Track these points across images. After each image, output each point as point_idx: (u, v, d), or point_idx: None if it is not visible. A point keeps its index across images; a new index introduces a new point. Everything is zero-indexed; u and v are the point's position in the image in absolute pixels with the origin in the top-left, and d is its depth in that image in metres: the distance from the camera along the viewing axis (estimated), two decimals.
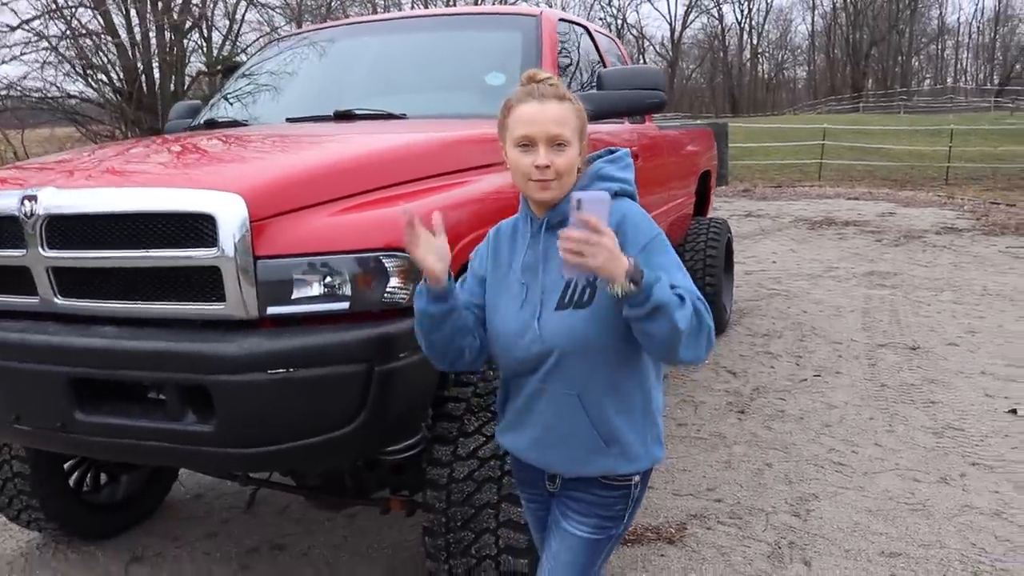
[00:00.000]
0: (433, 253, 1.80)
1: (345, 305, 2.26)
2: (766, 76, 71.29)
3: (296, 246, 2.26)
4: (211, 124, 3.98)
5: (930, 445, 4.55)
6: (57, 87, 22.98)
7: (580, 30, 4.53)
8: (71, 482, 3.70)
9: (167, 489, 4.15)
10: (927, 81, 68.39)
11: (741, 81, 67.83)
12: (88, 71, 23.90)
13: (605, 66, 4.49)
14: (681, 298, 1.66)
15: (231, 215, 2.20)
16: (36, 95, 21.96)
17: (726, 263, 6.87)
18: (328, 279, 2.25)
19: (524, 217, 1.97)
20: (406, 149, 2.78)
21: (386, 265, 2.27)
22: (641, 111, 3.62)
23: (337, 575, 3.45)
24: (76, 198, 2.40)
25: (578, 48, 4.33)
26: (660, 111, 3.75)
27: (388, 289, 2.28)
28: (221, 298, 2.25)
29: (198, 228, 2.24)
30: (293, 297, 2.26)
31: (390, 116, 3.48)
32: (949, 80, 67.79)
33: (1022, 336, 6.68)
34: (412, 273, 2.29)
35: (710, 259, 6.30)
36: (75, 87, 23.27)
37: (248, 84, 4.37)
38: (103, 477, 3.91)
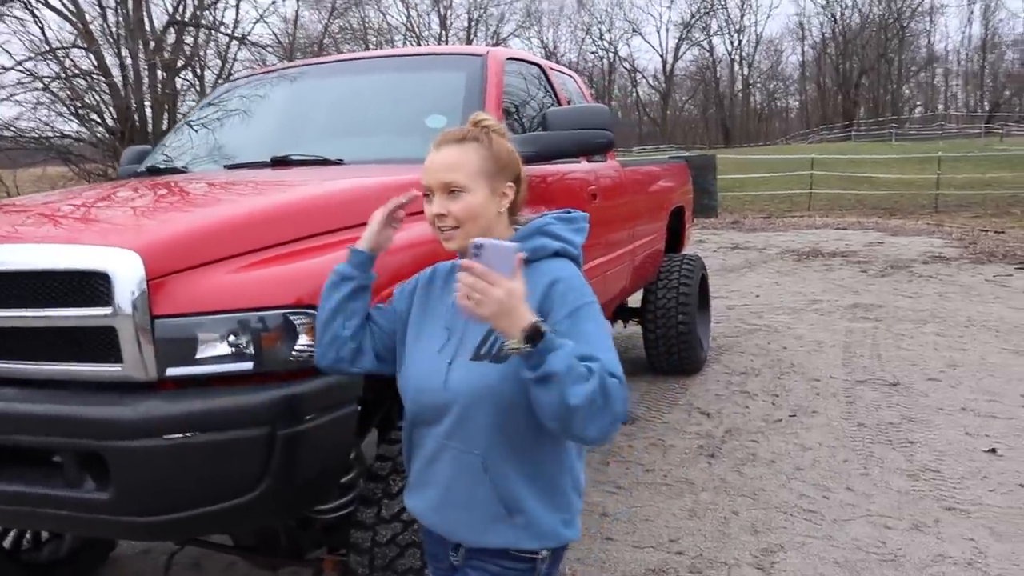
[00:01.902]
0: (380, 233, 1.93)
1: (249, 365, 2.14)
2: (758, 106, 71.78)
3: (198, 304, 2.15)
4: (152, 171, 3.89)
5: (905, 489, 4.41)
6: (50, 127, 23.11)
7: (532, 68, 4.45)
8: (6, 544, 3.55)
9: (113, 544, 4.00)
10: (918, 109, 68.84)
11: (733, 112, 68.27)
12: (81, 110, 24.06)
13: (560, 104, 4.41)
14: (589, 371, 1.55)
15: (126, 272, 2.09)
16: (30, 135, 22.08)
17: (701, 300, 6.75)
18: (232, 338, 2.14)
19: (454, 266, 1.87)
20: (324, 198, 2.67)
21: (294, 323, 2.16)
22: (589, 151, 3.52)
23: None
24: None
25: (530, 87, 4.25)
26: (608, 150, 3.65)
27: (296, 348, 2.17)
28: (118, 359, 2.14)
29: (93, 286, 2.13)
30: (195, 357, 2.14)
31: (327, 162, 3.39)
32: (940, 107, 68.21)
33: (1004, 369, 6.56)
34: None
35: (683, 296, 6.18)
36: (68, 127, 23.37)
37: (198, 127, 4.29)
38: (44, 534, 3.76)
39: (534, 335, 1.52)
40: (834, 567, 3.61)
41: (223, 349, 2.14)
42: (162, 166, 3.92)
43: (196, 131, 4.30)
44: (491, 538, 1.78)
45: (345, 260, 1.97)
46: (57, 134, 22.87)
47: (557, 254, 1.82)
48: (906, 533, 3.91)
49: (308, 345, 2.17)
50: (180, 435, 2.05)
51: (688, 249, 7.48)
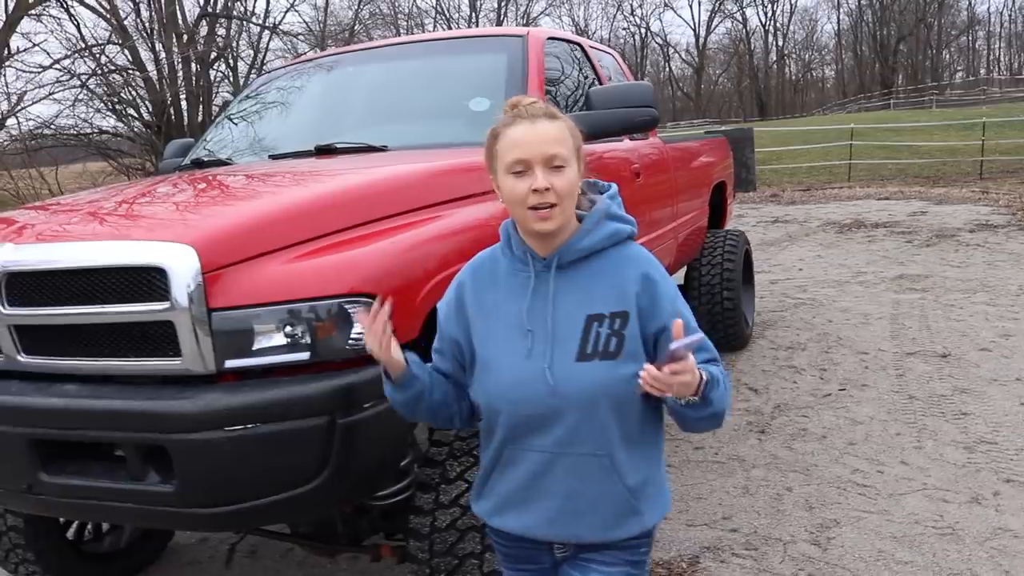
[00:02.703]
0: (376, 343, 1.70)
1: (306, 355, 2.15)
2: (793, 77, 70.67)
3: (253, 296, 2.16)
4: (197, 164, 3.92)
5: (961, 461, 4.34)
6: (89, 123, 23.49)
7: (572, 47, 4.41)
8: (69, 534, 3.63)
9: (171, 534, 4.07)
10: (959, 74, 67.30)
11: (768, 84, 67.24)
12: (118, 106, 24.42)
13: (601, 83, 4.37)
14: (726, 381, 1.66)
15: (182, 267, 2.11)
16: (69, 132, 22.45)
17: (745, 275, 6.68)
18: (288, 329, 2.15)
19: (520, 255, 1.77)
20: (372, 185, 2.67)
21: (349, 312, 2.16)
22: (633, 129, 3.48)
23: None
24: (31, 254, 2.34)
25: (570, 66, 4.21)
26: (652, 128, 3.61)
27: (351, 337, 2.17)
28: (177, 353, 2.16)
29: (150, 281, 2.15)
30: (252, 349, 2.16)
31: (371, 149, 3.39)
32: (982, 71, 66.61)
33: None
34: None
35: (727, 272, 6.13)
36: (106, 122, 23.74)
37: (239, 118, 4.31)
38: (105, 526, 3.84)
39: (707, 386, 1.60)
40: (892, 542, 3.57)
41: (280, 340, 2.16)
42: (207, 159, 3.95)
43: (238, 123, 4.32)
44: (622, 531, 1.75)
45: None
46: (95, 130, 23.26)
47: (629, 237, 1.78)
48: (964, 506, 3.85)
49: (363, 333, 2.17)
50: (241, 427, 2.07)
51: (729, 224, 7.40)
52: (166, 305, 2.12)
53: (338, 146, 3.44)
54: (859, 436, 4.75)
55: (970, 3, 66.27)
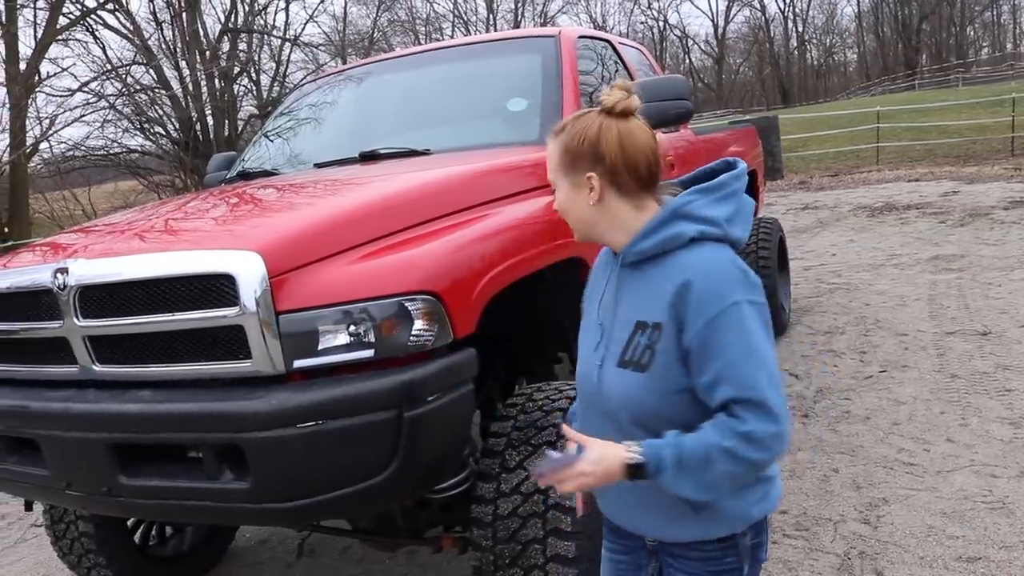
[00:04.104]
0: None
1: (370, 352, 2.24)
2: (815, 63, 70.04)
3: (317, 298, 2.25)
4: (244, 175, 4.04)
5: (1007, 437, 4.35)
6: (117, 143, 23.86)
7: (603, 44, 4.49)
8: (136, 538, 3.76)
9: (232, 537, 4.19)
10: (984, 50, 66.31)
11: (790, 71, 66.73)
12: (145, 125, 24.79)
13: (632, 78, 4.43)
14: (706, 457, 1.52)
15: (250, 273, 2.21)
16: (99, 153, 22.83)
17: (780, 262, 6.71)
18: (352, 328, 2.24)
19: (612, 250, 1.77)
20: (421, 188, 2.76)
21: (408, 309, 2.25)
22: (667, 123, 3.54)
23: None
24: (103, 267, 2.44)
25: (602, 64, 4.28)
26: (687, 121, 3.67)
27: (412, 333, 2.26)
28: (247, 355, 2.26)
29: (219, 288, 2.25)
30: (319, 348, 2.25)
31: (414, 153, 3.48)
32: (1009, 46, 65.63)
33: None
34: (435, 315, 2.28)
35: (763, 260, 6.16)
36: (134, 141, 24.12)
37: (278, 132, 4.43)
38: (168, 530, 3.97)
39: (637, 473, 1.54)
40: (942, 517, 3.61)
41: (344, 339, 2.25)
42: (254, 170, 4.06)
43: (280, 135, 4.43)
44: (680, 533, 1.72)
45: None
46: (124, 149, 23.65)
47: (695, 240, 1.63)
48: (1014, 480, 3.87)
49: (424, 329, 2.26)
50: (312, 423, 2.16)
51: (761, 212, 7.42)
52: (236, 310, 2.22)
53: (382, 151, 3.54)
54: (903, 416, 4.78)
55: None
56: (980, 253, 9.03)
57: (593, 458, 1.56)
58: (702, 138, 5.45)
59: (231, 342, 2.28)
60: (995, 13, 66.79)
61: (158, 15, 23.67)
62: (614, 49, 4.58)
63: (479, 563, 2.58)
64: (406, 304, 2.25)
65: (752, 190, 6.79)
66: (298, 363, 2.25)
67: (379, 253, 2.40)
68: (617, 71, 4.44)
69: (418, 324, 2.26)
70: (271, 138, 4.47)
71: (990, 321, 6.46)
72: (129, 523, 3.72)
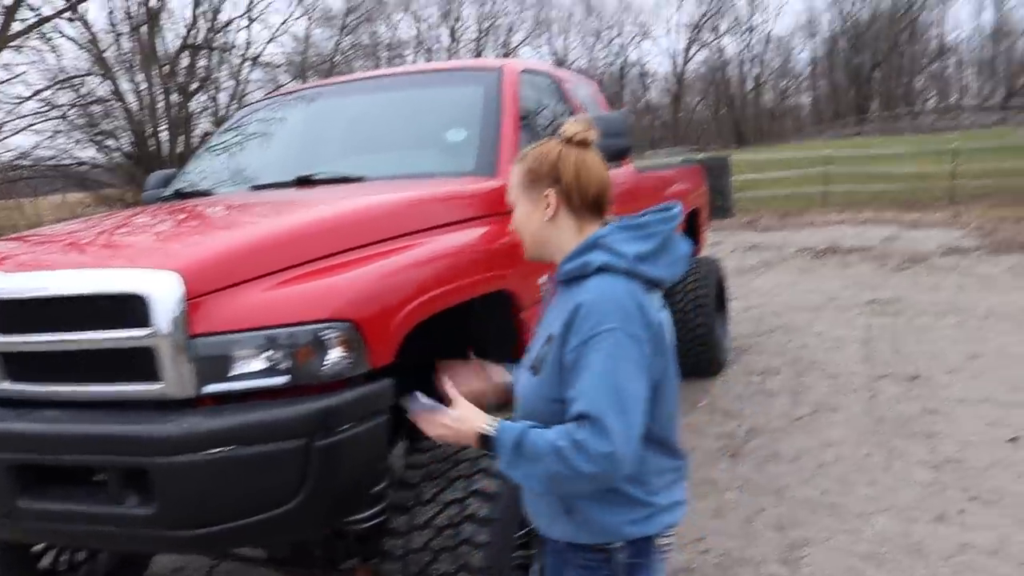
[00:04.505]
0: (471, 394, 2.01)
1: (284, 379, 2.23)
2: (770, 105, 71.41)
3: (233, 322, 2.23)
4: (179, 194, 3.99)
5: (928, 481, 4.44)
6: (68, 154, 23.43)
7: (547, 79, 4.53)
8: (45, 564, 3.64)
9: (147, 564, 4.08)
10: (932, 100, 68.32)
11: (745, 112, 67.98)
12: (97, 137, 24.39)
13: (575, 112, 4.48)
14: (537, 454, 1.69)
15: (165, 294, 2.18)
16: (49, 163, 22.41)
17: (719, 301, 6.79)
18: (266, 354, 2.22)
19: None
20: (349, 216, 2.76)
21: (324, 337, 2.24)
22: (606, 159, 3.58)
23: None
24: (18, 282, 2.39)
25: (545, 97, 4.32)
26: (624, 157, 3.72)
27: (328, 361, 2.25)
28: (158, 378, 2.23)
29: (132, 308, 2.22)
30: (232, 374, 2.23)
31: (349, 179, 3.48)
32: (953, 98, 67.70)
33: None
34: (352, 343, 2.26)
35: (700, 299, 6.22)
36: (86, 154, 23.71)
37: (219, 152, 4.39)
38: (80, 555, 3.85)
39: (485, 444, 1.76)
40: (860, 559, 3.66)
41: (258, 365, 2.23)
42: (189, 190, 4.02)
43: (219, 155, 4.40)
44: (555, 530, 1.91)
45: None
46: (75, 161, 23.24)
47: (601, 269, 1.79)
48: (930, 524, 3.95)
49: (340, 357, 2.25)
50: (221, 449, 2.13)
51: (704, 251, 7.52)
52: (148, 331, 2.19)
53: (317, 177, 3.53)
54: (830, 458, 4.85)
55: (940, 31, 67.44)
56: (916, 298, 9.24)
57: (455, 415, 1.80)
58: (645, 175, 5.52)
59: (143, 364, 2.25)
60: (941, 66, 68.94)
61: (116, 27, 23.41)
62: (559, 84, 4.63)
63: None
64: (322, 332, 2.24)
65: (694, 228, 6.89)
66: (209, 388, 2.23)
67: (299, 279, 2.38)
68: (561, 105, 4.49)
69: (334, 352, 2.25)
70: (213, 156, 4.44)
71: (920, 365, 6.60)
72: (37, 548, 3.61)
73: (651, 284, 1.83)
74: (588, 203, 1.87)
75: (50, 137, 22.18)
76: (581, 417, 1.67)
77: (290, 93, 4.66)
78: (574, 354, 1.72)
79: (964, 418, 5.34)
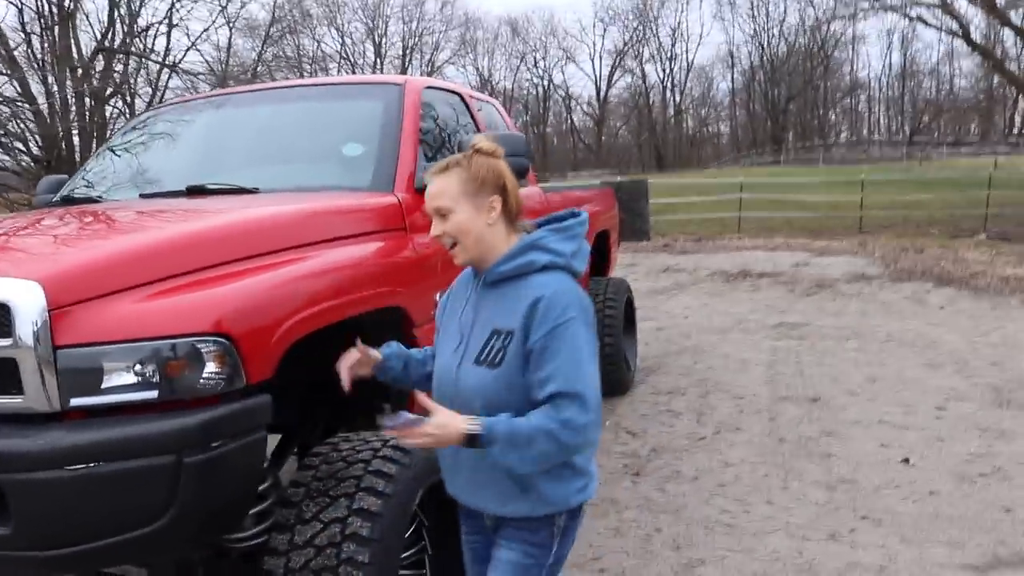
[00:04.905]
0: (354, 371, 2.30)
1: (154, 394, 2.13)
2: (690, 132, 73.10)
3: (102, 333, 2.13)
4: (67, 200, 3.85)
5: (822, 500, 4.54)
6: None
7: (451, 96, 4.52)
8: None
9: None
10: (843, 134, 70.86)
11: (666, 138, 69.42)
12: (4, 138, 23.48)
13: (479, 131, 4.48)
14: (529, 439, 1.86)
15: (26, 303, 2.07)
16: None
17: (627, 321, 6.86)
18: (136, 367, 2.13)
19: (474, 271, 2.17)
20: (234, 227, 2.67)
21: (197, 350, 2.16)
22: None
23: None
24: None
25: (448, 115, 4.30)
26: (523, 176, 3.72)
27: (202, 376, 2.17)
28: (20, 390, 2.11)
29: None
30: (99, 387, 2.12)
31: (242, 191, 3.40)
32: (864, 132, 70.34)
33: (920, 382, 6.79)
34: (227, 358, 2.19)
35: (609, 319, 6.28)
36: None
37: (114, 157, 4.25)
38: None
39: (472, 442, 1.88)
40: None
41: (128, 378, 2.13)
42: (77, 196, 3.88)
43: (114, 160, 4.26)
44: (512, 509, 2.08)
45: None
46: None
47: (546, 267, 2.02)
48: (822, 543, 4.02)
49: (214, 372, 2.17)
50: (83, 466, 2.03)
51: (617, 272, 7.60)
52: (8, 342, 2.08)
53: (209, 187, 3.43)
54: (729, 478, 4.92)
55: (852, 68, 70.09)
56: (820, 323, 9.49)
57: (437, 422, 1.88)
58: (553, 195, 5.55)
59: (3, 375, 2.13)
60: (853, 102, 71.63)
61: (27, 26, 22.63)
62: (464, 102, 4.62)
63: None
64: (195, 345, 2.16)
65: (604, 249, 6.95)
66: (76, 401, 2.12)
67: (175, 291, 2.29)
68: (465, 123, 4.47)
69: (208, 367, 2.17)
70: (105, 164, 4.29)
71: (821, 388, 6.77)
72: None
73: (577, 278, 2.08)
74: (518, 210, 2.10)
75: None
76: (558, 395, 1.89)
77: (191, 100, 4.54)
78: (541, 342, 1.92)
79: (860, 439, 5.48)
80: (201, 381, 2.17)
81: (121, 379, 2.13)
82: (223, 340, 2.18)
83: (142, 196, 3.61)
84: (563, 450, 1.91)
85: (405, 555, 2.77)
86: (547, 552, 2.12)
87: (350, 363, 2.28)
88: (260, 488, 2.59)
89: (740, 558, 3.91)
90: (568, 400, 1.89)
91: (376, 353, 2.32)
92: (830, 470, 4.98)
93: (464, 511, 2.28)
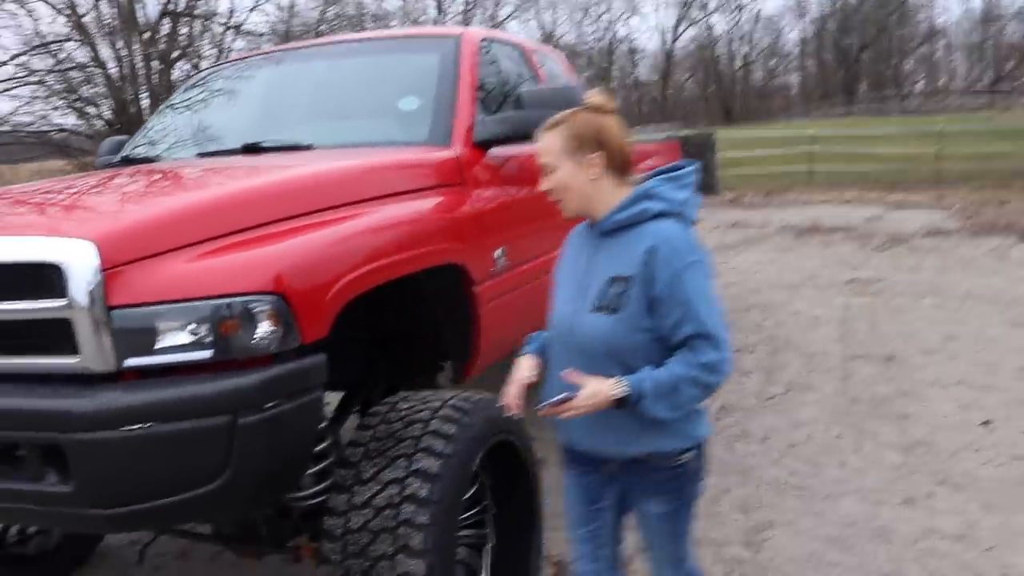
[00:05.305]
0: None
1: (208, 354, 2.10)
2: (758, 84, 71.21)
3: (155, 293, 2.10)
4: (126, 161, 3.85)
5: (897, 463, 4.37)
6: (48, 120, 23.08)
7: (510, 48, 4.39)
8: None
9: (101, 536, 3.97)
10: (920, 83, 68.30)
11: (733, 90, 67.74)
12: (77, 104, 24.03)
13: (540, 83, 4.35)
14: (673, 387, 1.97)
15: (81, 263, 2.05)
16: (27, 129, 22.07)
17: None
18: (190, 327, 2.10)
19: (588, 223, 2.23)
20: (288, 184, 2.62)
21: (251, 310, 2.11)
22: None
23: None
24: None
25: (507, 67, 4.18)
26: None
27: (255, 336, 2.12)
28: (75, 351, 2.10)
29: (47, 278, 2.08)
30: (153, 347, 2.10)
31: (297, 147, 3.35)
32: (941, 81, 67.68)
33: (1002, 341, 6.49)
34: (281, 317, 2.14)
35: None
36: (66, 120, 23.38)
37: (172, 118, 4.24)
38: (33, 527, 3.74)
39: (621, 404, 1.98)
40: (824, 543, 3.59)
41: (182, 338, 2.10)
42: (136, 156, 3.88)
43: (174, 119, 4.25)
44: (635, 448, 2.15)
45: None
46: (54, 128, 22.92)
47: (659, 215, 2.08)
48: (897, 508, 3.88)
49: (268, 332, 2.13)
50: (138, 426, 2.02)
51: None
52: (63, 302, 2.06)
53: (264, 144, 3.39)
54: (800, 438, 4.78)
55: (930, 14, 67.32)
56: (895, 279, 9.18)
57: (587, 393, 1.98)
58: None
59: (59, 336, 2.11)
60: (931, 49, 68.83)
61: None
62: (523, 54, 4.48)
63: None
64: (249, 305, 2.11)
65: None
66: (130, 362, 2.10)
67: (228, 250, 2.25)
68: (524, 76, 4.34)
69: (262, 326, 2.13)
70: (164, 124, 4.29)
71: (896, 346, 6.54)
72: None
73: (689, 226, 2.14)
74: (624, 163, 2.15)
75: (28, 103, 21.87)
76: (694, 337, 1.98)
77: (247, 58, 4.50)
78: (667, 289, 1.99)
79: (937, 400, 5.28)
80: (255, 341, 2.13)
81: (175, 339, 2.11)
82: (277, 299, 2.14)
83: (199, 155, 3.59)
84: (706, 391, 2.01)
85: (466, 514, 2.73)
86: (685, 493, 2.24)
87: (521, 383, 2.29)
88: (319, 448, 2.57)
89: (811, 521, 3.79)
90: (703, 341, 1.98)
91: (536, 362, 2.34)
92: (906, 432, 4.80)
93: (573, 454, 2.33)
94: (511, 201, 3.56)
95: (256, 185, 2.60)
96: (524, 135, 3.41)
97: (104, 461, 2.04)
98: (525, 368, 2.29)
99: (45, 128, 22.96)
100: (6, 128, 22.08)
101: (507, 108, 3.97)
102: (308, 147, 3.34)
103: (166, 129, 4.17)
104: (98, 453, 2.03)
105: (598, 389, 1.98)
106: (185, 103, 4.28)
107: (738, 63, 68.93)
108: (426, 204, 2.94)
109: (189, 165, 3.32)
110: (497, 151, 3.50)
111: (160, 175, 3.01)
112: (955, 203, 15.54)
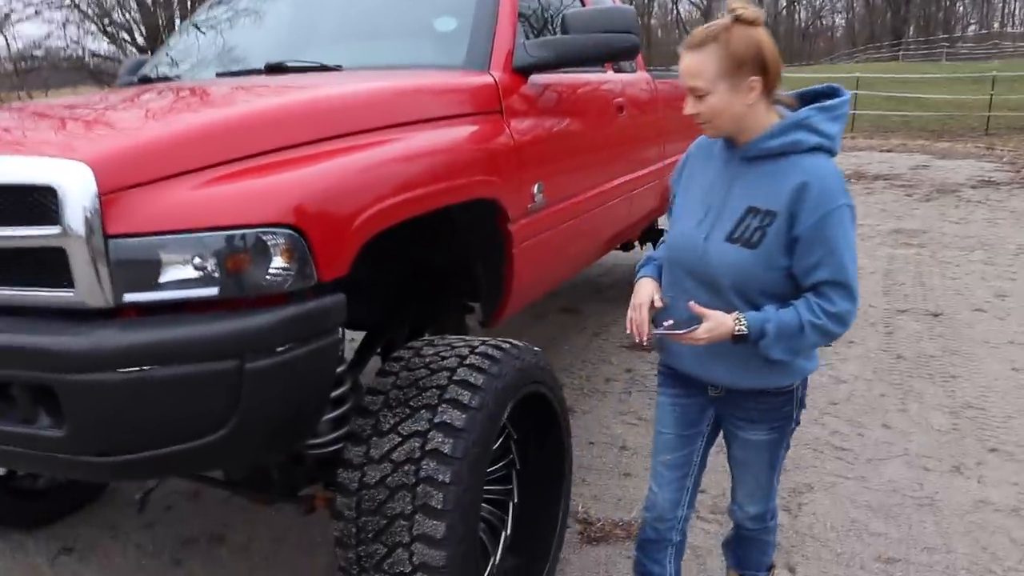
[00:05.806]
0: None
1: (214, 291, 1.89)
2: (803, 24, 69.26)
3: (158, 222, 1.89)
4: (143, 80, 3.63)
5: (945, 427, 4.15)
6: (80, 45, 22.96)
7: None
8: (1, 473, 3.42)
9: None
10: (972, 27, 65.95)
11: (777, 30, 65.83)
12: (110, 28, 23.84)
13: (584, 6, 4.04)
14: (800, 328, 1.90)
15: (75, 187, 1.83)
16: (60, 55, 21.95)
17: None
18: (195, 260, 1.89)
19: (726, 142, 2.07)
20: (308, 106, 2.37)
21: (263, 243, 1.90)
22: (611, 56, 3.19)
23: (275, 570, 3.16)
24: None
25: None
26: (633, 56, 3.32)
27: (267, 272, 1.91)
28: (70, 283, 1.90)
29: (39, 202, 1.88)
30: (155, 281, 1.89)
31: (324, 68, 3.10)
32: (995, 25, 65.31)
33: None
34: (296, 252, 1.93)
35: None
36: (99, 45, 23.24)
37: (196, 35, 4.00)
38: None
39: (740, 339, 1.93)
40: (866, 511, 3.39)
41: (187, 272, 1.89)
42: (153, 75, 3.66)
43: (197, 38, 4.01)
44: (748, 382, 2.12)
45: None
46: (88, 54, 22.77)
47: (813, 149, 1.95)
48: (945, 476, 3.66)
49: (282, 268, 1.92)
50: (136, 368, 1.83)
51: None
52: (57, 230, 1.86)
53: (289, 64, 3.15)
54: (842, 395, 4.56)
55: None
56: (943, 230, 8.83)
57: (708, 326, 1.93)
58: (662, 82, 5.07)
59: (54, 267, 1.92)
60: None
61: None
62: None
63: (340, 534, 2.29)
64: (261, 237, 1.89)
65: None
66: (130, 297, 1.89)
67: (239, 176, 2.02)
68: None
69: (275, 262, 1.91)
70: (185, 42, 4.05)
71: (943, 302, 6.26)
72: None
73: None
74: (776, 85, 2.00)
75: (61, 27, 21.69)
76: (826, 284, 1.91)
77: None
78: (811, 230, 1.88)
79: (988, 361, 5.02)
80: (267, 278, 1.92)
81: (179, 273, 1.90)
82: (292, 232, 1.92)
83: (218, 75, 3.36)
84: (828, 339, 1.95)
85: (491, 469, 2.55)
86: (789, 422, 2.23)
87: (647, 309, 2.13)
88: (337, 392, 2.38)
89: (852, 486, 3.59)
90: (835, 288, 1.91)
91: (657, 285, 2.21)
92: (954, 393, 4.56)
93: (676, 375, 2.28)
94: (552, 133, 3.30)
95: (274, 106, 2.35)
96: (568, 61, 3.15)
97: (99, 405, 1.86)
98: (649, 292, 2.15)
99: (78, 54, 22.84)
100: (39, 53, 21.94)
101: (549, 33, 3.69)
102: (336, 68, 3.09)
103: (188, 48, 3.93)
104: (92, 396, 1.85)
105: (718, 326, 1.93)
106: (209, 21, 4.02)
107: (782, 2, 66.99)
108: (460, 133, 2.70)
109: (205, 84, 3.08)
110: (538, 78, 3.23)
111: (172, 94, 2.78)
112: (1005, 153, 14.97)
